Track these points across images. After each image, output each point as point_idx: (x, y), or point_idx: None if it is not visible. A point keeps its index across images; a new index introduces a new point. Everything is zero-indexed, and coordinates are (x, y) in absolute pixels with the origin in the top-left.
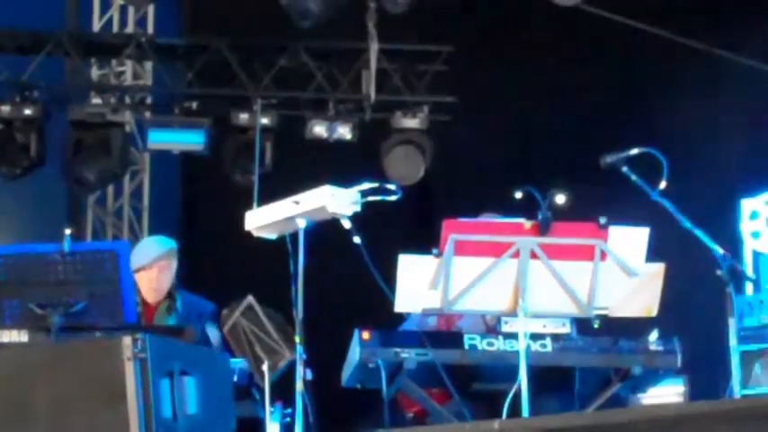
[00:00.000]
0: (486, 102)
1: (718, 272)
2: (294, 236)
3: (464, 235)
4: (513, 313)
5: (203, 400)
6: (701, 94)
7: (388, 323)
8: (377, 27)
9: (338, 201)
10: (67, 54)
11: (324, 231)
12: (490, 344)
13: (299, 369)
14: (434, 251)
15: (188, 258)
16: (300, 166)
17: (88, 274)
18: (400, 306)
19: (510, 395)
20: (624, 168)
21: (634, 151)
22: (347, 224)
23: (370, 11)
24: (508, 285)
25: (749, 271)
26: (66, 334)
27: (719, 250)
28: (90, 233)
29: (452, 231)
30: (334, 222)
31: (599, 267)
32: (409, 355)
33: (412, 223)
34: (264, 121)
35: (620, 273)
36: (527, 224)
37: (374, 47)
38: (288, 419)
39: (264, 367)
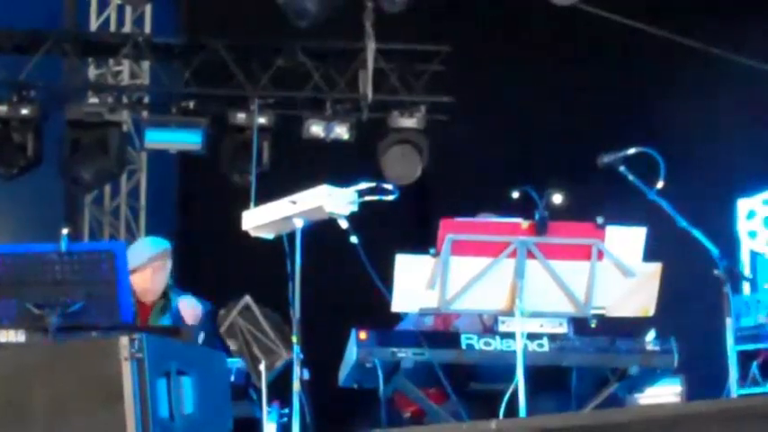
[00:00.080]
0: (482, 101)
1: (716, 271)
2: (291, 235)
3: (461, 235)
4: (510, 313)
5: (200, 399)
6: (699, 93)
7: (385, 323)
8: (374, 27)
9: (335, 200)
10: (65, 54)
11: (321, 231)
12: (487, 343)
13: (296, 369)
14: (431, 251)
15: (185, 258)
16: (298, 165)
17: (85, 275)
18: (397, 306)
19: (507, 395)
20: (621, 168)
21: (631, 151)
22: (344, 224)
23: (368, 10)
24: (505, 285)
25: (746, 271)
26: (63, 334)
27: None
28: (87, 233)
29: (449, 231)
30: (331, 222)
31: (596, 267)
32: (406, 355)
33: (409, 223)
34: (262, 120)
35: (618, 272)
36: (524, 224)
37: (371, 46)
38: (285, 419)
39: (261, 367)
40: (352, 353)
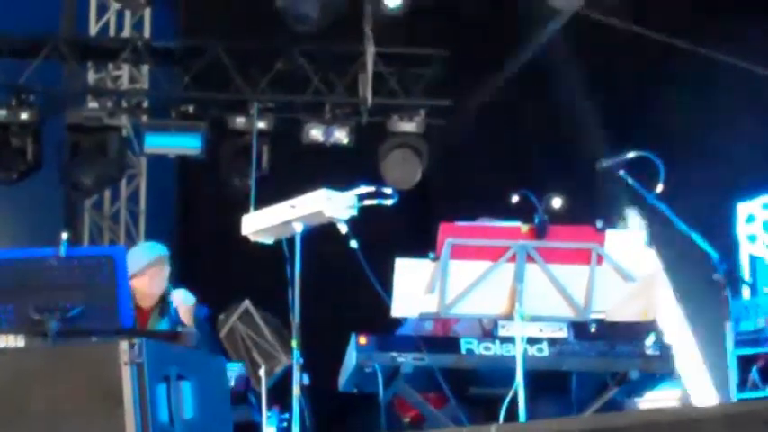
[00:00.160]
0: (482, 105)
1: (715, 275)
2: (291, 240)
3: (461, 239)
4: (509, 317)
5: (200, 404)
6: (699, 97)
7: (384, 327)
8: (373, 31)
9: (335, 205)
10: (64, 58)
11: (320, 236)
12: (487, 348)
13: (296, 373)
14: (431, 255)
15: (185, 262)
16: (297, 169)
17: (85, 279)
18: (397, 310)
19: (507, 399)
20: (621, 172)
21: (630, 155)
22: (344, 228)
23: (367, 15)
24: (505, 289)
25: (746, 275)
26: (62, 339)
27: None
28: (87, 237)
29: (449, 235)
30: (330, 226)
31: (596, 271)
32: (406, 360)
33: (408, 227)
34: (261, 124)
35: (617, 277)
36: (524, 228)
37: (370, 51)
38: (284, 424)
39: (261, 372)
40: (351, 357)
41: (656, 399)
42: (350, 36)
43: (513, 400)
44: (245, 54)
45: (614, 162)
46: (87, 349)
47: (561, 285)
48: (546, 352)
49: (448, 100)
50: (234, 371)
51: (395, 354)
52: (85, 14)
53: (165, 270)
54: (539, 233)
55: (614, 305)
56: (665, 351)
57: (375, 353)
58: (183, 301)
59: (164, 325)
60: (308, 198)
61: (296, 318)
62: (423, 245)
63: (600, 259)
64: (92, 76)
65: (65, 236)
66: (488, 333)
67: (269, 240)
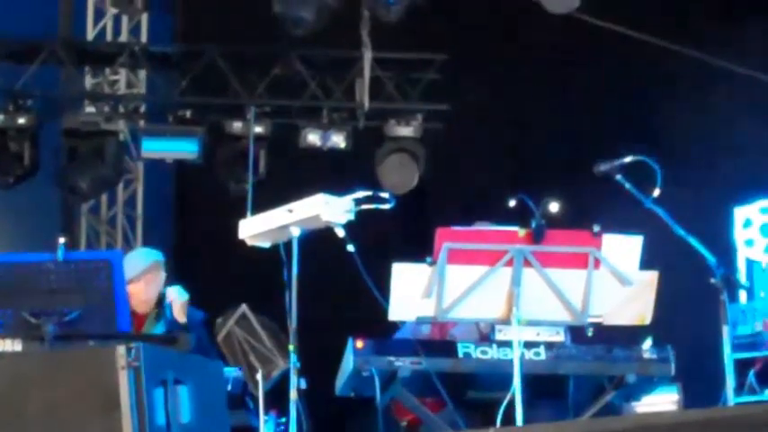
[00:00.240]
0: (479, 109)
1: (712, 280)
2: (288, 244)
3: (458, 243)
4: (506, 321)
5: (197, 408)
6: (696, 102)
7: (382, 331)
8: (370, 35)
9: (332, 209)
10: (61, 63)
11: (318, 240)
12: (484, 352)
13: (293, 378)
14: (428, 260)
15: (182, 267)
16: (294, 174)
17: (82, 284)
18: (394, 314)
19: (504, 403)
20: (618, 176)
21: (627, 159)
22: (341, 232)
23: (364, 19)
24: (502, 293)
25: (743, 279)
26: (60, 343)
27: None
28: (84, 242)
29: (446, 240)
30: (327, 231)
31: (593, 275)
32: (403, 364)
33: (406, 231)
34: (258, 129)
35: (614, 281)
36: (521, 232)
37: (368, 55)
38: (282, 428)
39: (258, 376)
40: (348, 361)
41: (653, 403)
42: (347, 40)
43: (511, 404)
44: (243, 58)
45: (611, 166)
46: (84, 353)
47: (558, 289)
48: (543, 356)
49: (445, 104)
50: (231, 375)
51: (392, 358)
52: (83, 19)
53: (161, 276)
54: (536, 237)
55: (611, 309)
56: (662, 355)
57: (372, 357)
58: (177, 296)
59: (159, 329)
60: (305, 202)
61: (293, 322)
62: (420, 249)
63: (597, 263)
64: (89, 81)
65: (62, 240)
66: (485, 337)
67: (266, 244)
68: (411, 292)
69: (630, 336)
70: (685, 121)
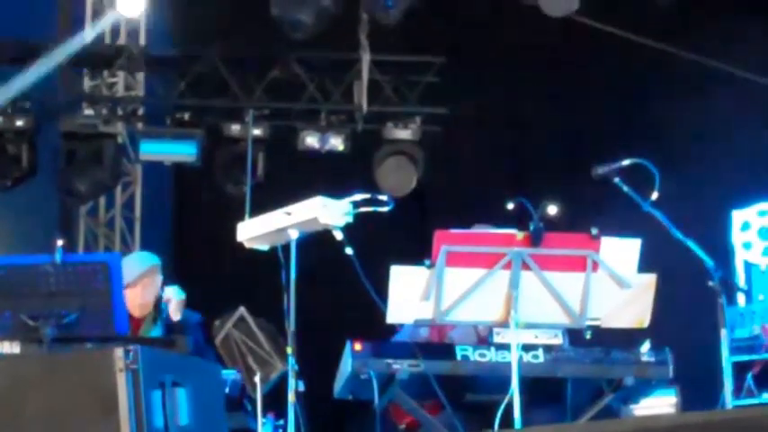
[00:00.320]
0: (477, 112)
1: (710, 283)
2: (286, 247)
3: (456, 246)
4: (505, 324)
5: (195, 411)
6: (694, 105)
7: (380, 334)
8: (369, 38)
9: (330, 212)
10: (60, 65)
11: (316, 242)
12: (482, 355)
13: (291, 380)
14: (426, 262)
15: (180, 269)
16: (292, 177)
17: (80, 286)
18: (392, 317)
19: (502, 406)
20: (616, 179)
21: (626, 162)
22: (339, 235)
23: (363, 22)
24: (500, 296)
25: (741, 282)
26: (58, 345)
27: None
28: (82, 244)
29: (444, 242)
30: (326, 233)
31: (591, 278)
32: (401, 367)
33: (404, 234)
34: (256, 131)
35: (612, 284)
36: (519, 235)
37: (366, 58)
38: (280, 431)
39: (256, 379)
40: (347, 364)
41: (651, 405)
42: (345, 43)
43: (509, 407)
44: (241, 61)
45: (610, 169)
46: (82, 356)
47: (556, 292)
48: (541, 359)
49: (443, 107)
50: (229, 377)
51: (390, 360)
52: (81, 22)
53: (158, 280)
54: (534, 240)
55: (609, 312)
56: (660, 357)
57: (370, 359)
58: (173, 296)
59: (156, 332)
60: (303, 205)
61: (291, 324)
62: (418, 252)
63: (595, 266)
64: (87, 83)
65: (60, 242)
66: (484, 340)
67: (264, 247)
68: (409, 295)
69: (629, 339)
70: (684, 124)
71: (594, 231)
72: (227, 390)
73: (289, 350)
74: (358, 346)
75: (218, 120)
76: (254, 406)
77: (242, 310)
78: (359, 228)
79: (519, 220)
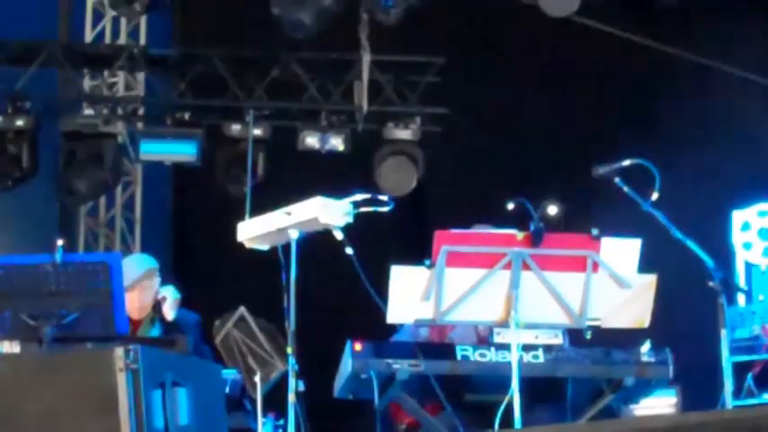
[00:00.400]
0: (478, 113)
1: (711, 283)
2: (286, 247)
3: (456, 246)
4: (505, 324)
5: (195, 411)
6: (694, 105)
7: (380, 334)
8: (369, 38)
9: (330, 212)
10: (60, 65)
11: (316, 242)
12: (482, 355)
13: (292, 380)
14: (427, 262)
15: (180, 269)
16: (293, 177)
17: (80, 286)
18: (392, 317)
19: (502, 406)
20: (616, 179)
21: (626, 163)
22: (339, 235)
23: (363, 22)
24: (500, 296)
25: (741, 282)
26: (58, 345)
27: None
28: (82, 244)
29: (444, 242)
30: (326, 233)
31: (591, 278)
32: (401, 367)
33: (404, 234)
34: (257, 131)
35: (613, 284)
36: (519, 235)
37: (366, 58)
38: (280, 431)
39: (257, 378)
40: (347, 364)
41: (651, 406)
42: (346, 43)
43: (509, 407)
44: (241, 61)
45: (610, 169)
46: (83, 355)
47: (557, 292)
48: (541, 359)
49: (443, 107)
50: (229, 377)
51: (390, 360)
52: (81, 21)
53: (156, 282)
54: (534, 240)
55: (610, 312)
56: (660, 358)
57: (371, 359)
58: (169, 295)
59: (155, 333)
60: (303, 205)
61: (291, 324)
62: (418, 252)
63: (595, 266)
64: (87, 83)
65: (60, 242)
66: (484, 340)
67: (264, 247)
68: (409, 295)
69: (629, 339)
70: (684, 124)
71: (595, 232)
72: (227, 390)
73: (289, 350)
74: (358, 346)
75: (218, 120)
76: (254, 406)
77: (242, 310)
78: (359, 228)
79: (519, 220)
